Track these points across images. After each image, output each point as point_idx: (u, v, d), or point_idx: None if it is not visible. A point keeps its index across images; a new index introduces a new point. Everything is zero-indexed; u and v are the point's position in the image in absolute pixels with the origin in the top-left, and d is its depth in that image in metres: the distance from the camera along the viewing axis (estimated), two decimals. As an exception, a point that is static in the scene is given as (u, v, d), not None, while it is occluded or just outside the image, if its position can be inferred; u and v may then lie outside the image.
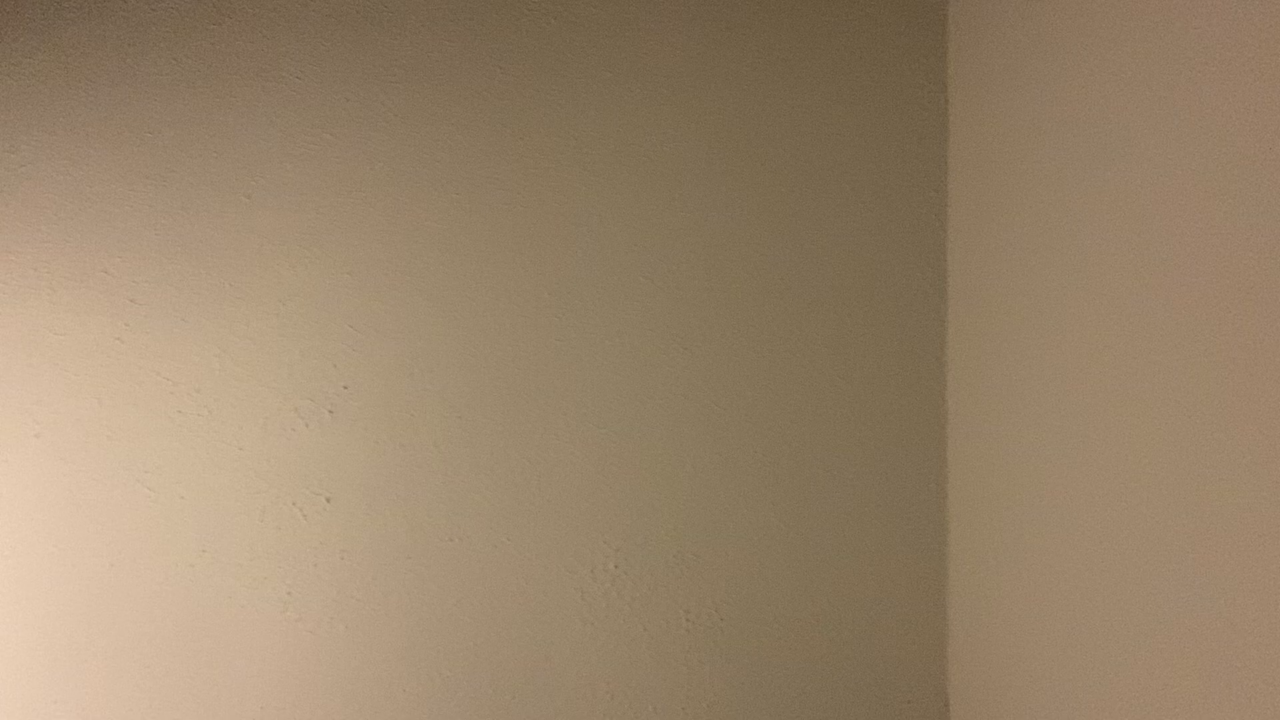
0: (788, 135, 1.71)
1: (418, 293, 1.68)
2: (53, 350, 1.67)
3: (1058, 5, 1.31)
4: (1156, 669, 1.00)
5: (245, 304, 1.68)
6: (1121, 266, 1.10)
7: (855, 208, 1.70)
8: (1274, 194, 0.83)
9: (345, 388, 1.67)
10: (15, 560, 1.63)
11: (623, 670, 1.62)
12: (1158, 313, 1.02)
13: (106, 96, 1.71)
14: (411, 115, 1.71)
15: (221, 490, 1.65)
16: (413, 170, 1.70)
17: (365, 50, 1.72)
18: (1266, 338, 0.83)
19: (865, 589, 1.63)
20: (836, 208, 1.70)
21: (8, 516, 1.64)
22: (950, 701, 1.60)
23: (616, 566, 1.64)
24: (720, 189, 1.70)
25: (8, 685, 1.61)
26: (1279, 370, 0.81)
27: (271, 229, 1.69)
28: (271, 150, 1.70)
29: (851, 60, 1.72)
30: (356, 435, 1.66)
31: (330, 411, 1.66)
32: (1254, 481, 0.85)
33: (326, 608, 1.63)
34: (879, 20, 1.72)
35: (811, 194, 1.70)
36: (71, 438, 1.65)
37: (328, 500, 1.65)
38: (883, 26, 1.72)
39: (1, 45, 1.72)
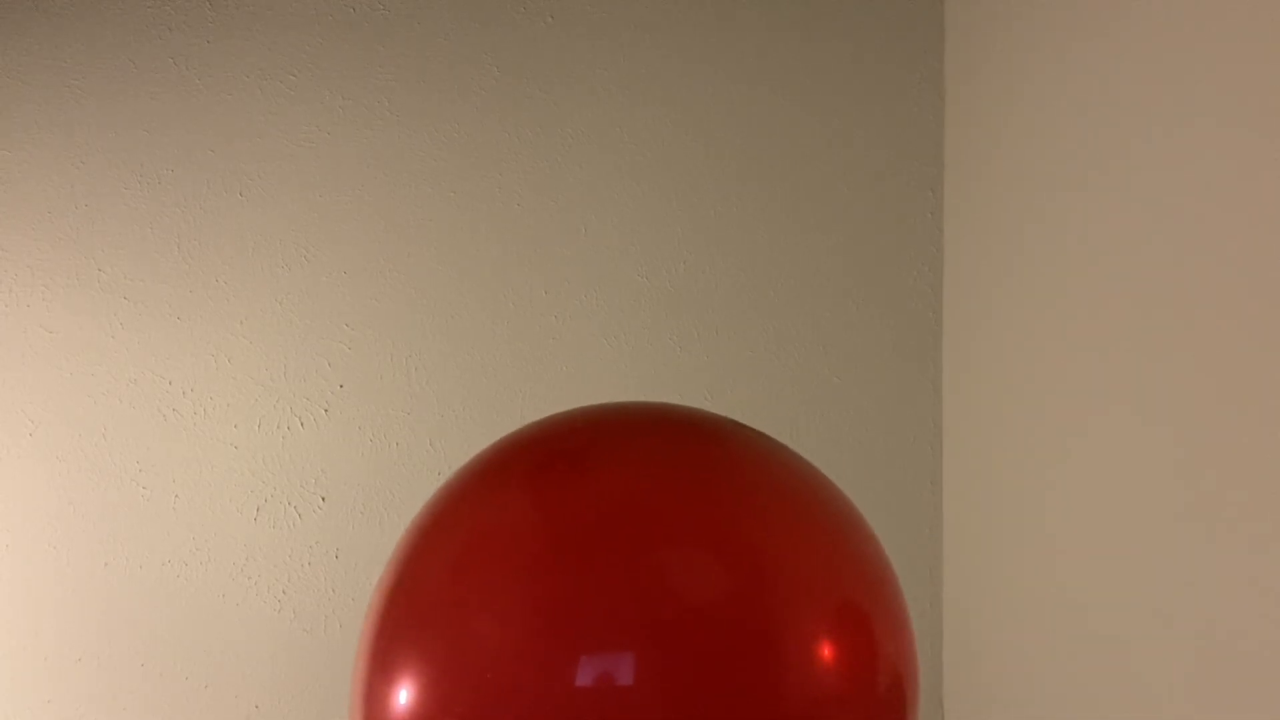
0: (783, 133, 1.70)
1: (413, 291, 1.68)
2: (47, 348, 1.66)
3: (1054, 2, 1.30)
4: (1151, 671, 1.00)
5: (240, 302, 1.68)
6: (1117, 264, 1.10)
7: (851, 206, 1.69)
8: (1272, 192, 0.83)
9: (341, 386, 1.66)
10: (9, 559, 1.63)
11: (618, 670, 1.61)
12: (1153, 311, 1.02)
13: (101, 94, 1.71)
14: (407, 114, 1.71)
15: (216, 489, 1.64)
16: (408, 168, 1.70)
17: (360, 49, 1.72)
18: (1264, 336, 0.83)
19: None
20: (832, 206, 1.69)
21: (1, 515, 1.64)
22: (945, 703, 1.60)
23: (612, 566, 1.63)
24: (715, 187, 1.69)
25: (1, 684, 1.61)
26: (1277, 370, 0.81)
27: (266, 227, 1.69)
28: (266, 148, 1.70)
29: (847, 58, 1.71)
30: (352, 434, 1.65)
31: (326, 410, 1.66)
32: (1250, 480, 0.84)
33: (321, 607, 1.62)
34: (875, 18, 1.72)
35: (806, 193, 1.69)
36: (65, 436, 1.65)
37: (323, 499, 1.65)
38: (879, 24, 1.72)
39: (-5, 41, 1.71)
